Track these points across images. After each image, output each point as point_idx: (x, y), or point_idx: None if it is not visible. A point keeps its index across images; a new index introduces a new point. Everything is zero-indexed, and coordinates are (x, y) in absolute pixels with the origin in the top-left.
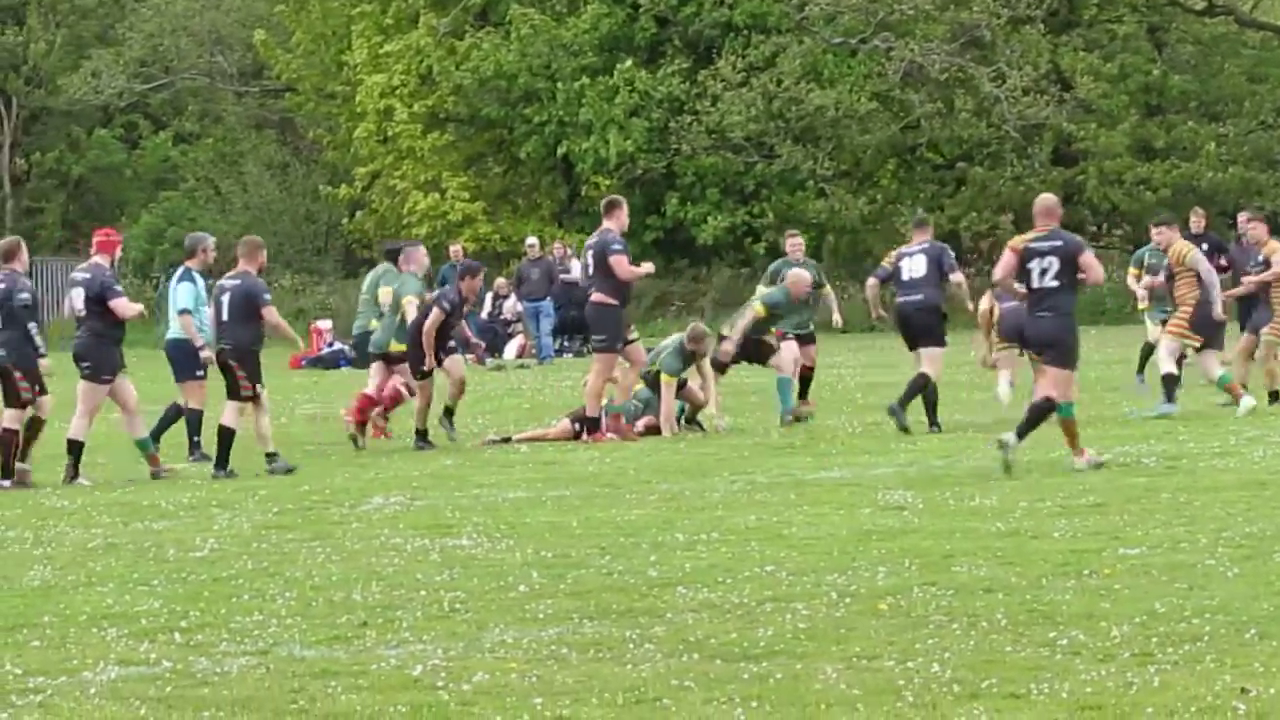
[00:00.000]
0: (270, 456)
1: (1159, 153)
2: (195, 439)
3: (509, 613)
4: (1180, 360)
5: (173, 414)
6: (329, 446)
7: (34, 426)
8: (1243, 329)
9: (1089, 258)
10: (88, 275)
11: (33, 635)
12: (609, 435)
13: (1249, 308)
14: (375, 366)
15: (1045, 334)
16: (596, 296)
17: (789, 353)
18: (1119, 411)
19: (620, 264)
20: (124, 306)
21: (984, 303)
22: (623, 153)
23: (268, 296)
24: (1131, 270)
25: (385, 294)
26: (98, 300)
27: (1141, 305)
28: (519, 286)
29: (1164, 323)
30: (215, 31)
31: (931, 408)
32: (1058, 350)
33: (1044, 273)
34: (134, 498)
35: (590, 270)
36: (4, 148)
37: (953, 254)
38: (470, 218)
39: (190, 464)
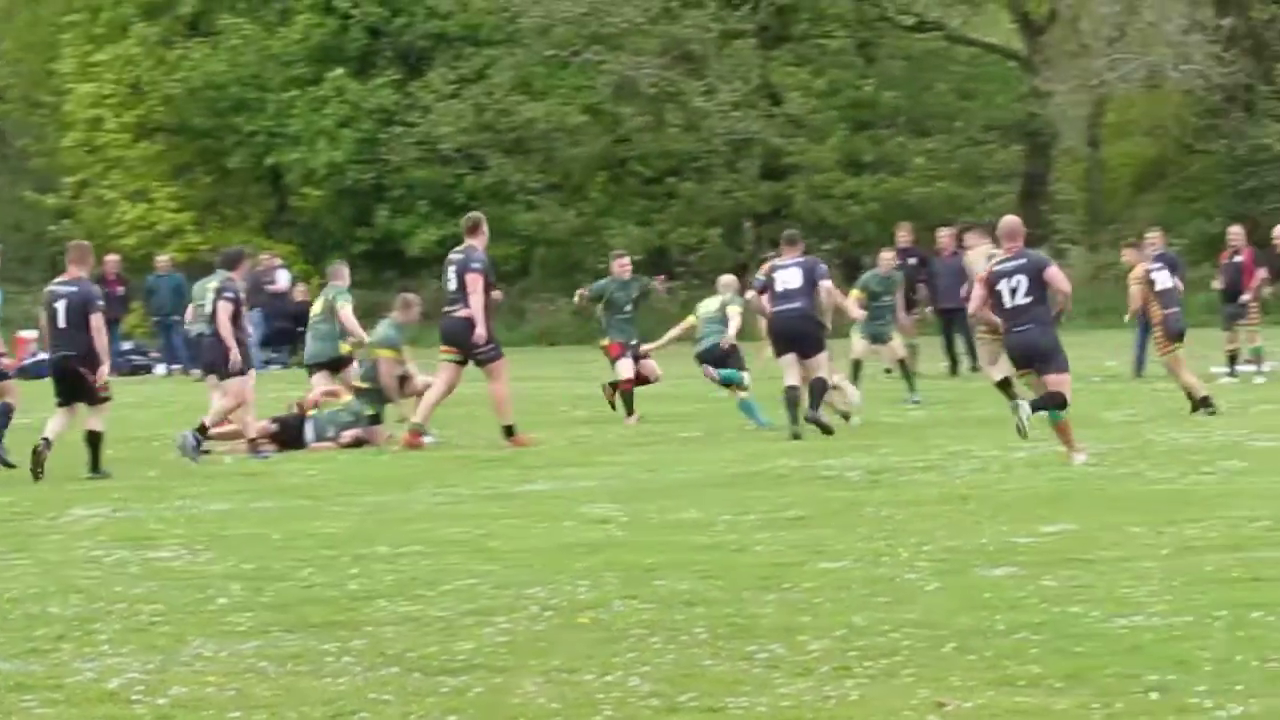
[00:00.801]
0: None
1: (868, 166)
2: None
3: (208, 626)
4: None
5: None
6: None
7: None
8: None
9: (1054, 271)
10: None
11: None
12: (318, 446)
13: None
14: (318, 377)
15: (1034, 345)
16: (464, 312)
17: (649, 368)
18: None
19: (474, 283)
20: None
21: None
22: (332, 163)
23: (100, 303)
24: (854, 293)
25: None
26: None
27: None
28: None
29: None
30: None
31: (818, 398)
32: (1049, 358)
33: (1014, 291)
34: None
35: (454, 285)
36: None
37: (824, 266)
38: (179, 228)
39: None
